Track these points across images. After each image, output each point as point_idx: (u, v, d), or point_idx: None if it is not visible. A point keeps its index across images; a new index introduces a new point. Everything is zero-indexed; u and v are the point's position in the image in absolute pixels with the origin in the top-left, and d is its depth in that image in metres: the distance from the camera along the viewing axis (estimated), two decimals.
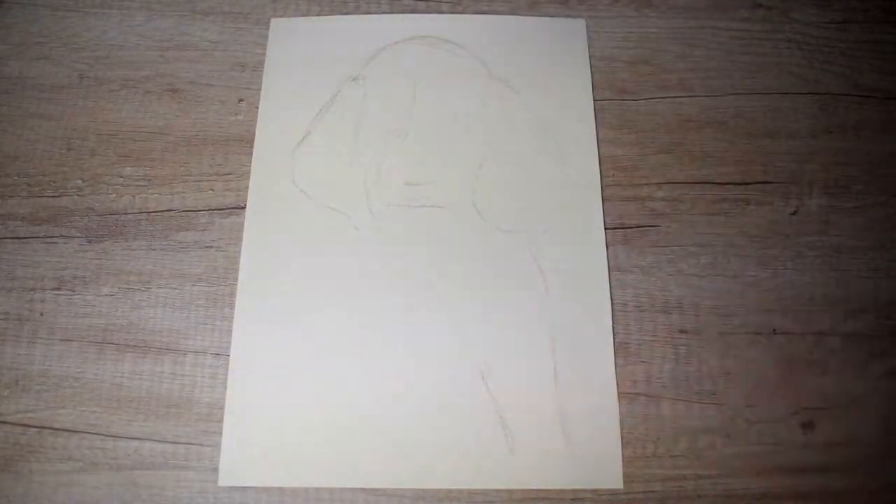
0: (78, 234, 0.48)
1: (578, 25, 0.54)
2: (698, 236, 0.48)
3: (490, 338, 0.45)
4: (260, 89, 0.52)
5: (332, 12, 0.55)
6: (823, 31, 0.54)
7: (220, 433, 0.43)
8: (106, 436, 0.44)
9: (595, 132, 0.50)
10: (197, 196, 0.49)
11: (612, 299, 0.46)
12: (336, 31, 0.54)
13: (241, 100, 0.52)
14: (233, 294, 0.47)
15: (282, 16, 0.55)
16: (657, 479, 0.43)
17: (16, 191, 0.50)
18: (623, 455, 0.43)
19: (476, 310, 0.46)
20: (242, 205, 0.49)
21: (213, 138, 0.51)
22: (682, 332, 0.46)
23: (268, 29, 0.54)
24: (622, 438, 0.43)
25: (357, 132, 0.50)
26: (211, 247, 0.48)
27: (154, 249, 0.48)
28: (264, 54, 0.53)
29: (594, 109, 0.51)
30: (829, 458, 0.43)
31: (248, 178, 0.49)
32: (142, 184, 0.50)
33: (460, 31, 0.53)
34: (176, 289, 0.47)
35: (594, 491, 0.42)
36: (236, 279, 0.47)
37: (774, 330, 0.46)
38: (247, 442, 0.43)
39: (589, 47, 0.53)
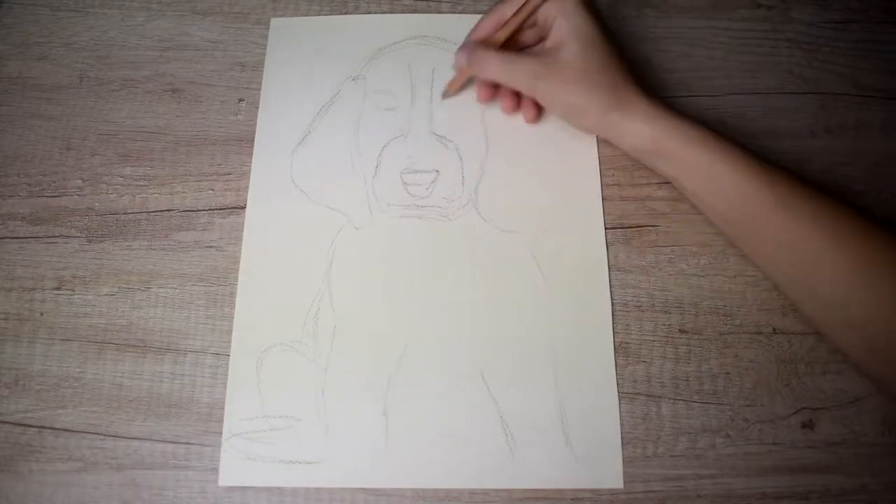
0: (78, 234, 0.48)
1: None
2: (698, 236, 0.48)
3: (490, 337, 0.45)
4: (260, 89, 0.52)
5: (332, 12, 0.55)
6: (823, 31, 0.54)
7: (220, 433, 0.43)
8: (106, 436, 0.44)
9: None
10: (197, 196, 0.49)
11: (612, 299, 0.46)
12: (336, 31, 0.54)
13: (241, 100, 0.52)
14: (233, 294, 0.47)
15: (282, 16, 0.55)
16: (657, 479, 0.43)
17: (16, 191, 0.50)
18: (623, 455, 0.43)
19: (476, 309, 0.46)
20: (242, 205, 0.49)
21: (213, 138, 0.51)
22: (682, 332, 0.46)
23: (268, 29, 0.54)
24: (622, 438, 0.43)
25: (357, 132, 0.50)
26: (211, 247, 0.48)
27: (154, 249, 0.48)
28: (264, 54, 0.53)
29: None
30: (829, 458, 0.43)
31: (248, 178, 0.50)
32: (142, 184, 0.50)
33: (460, 31, 0.52)
34: (176, 289, 0.47)
35: (594, 491, 0.42)
36: (236, 279, 0.47)
37: (774, 330, 0.46)
38: (247, 441, 0.43)
39: None
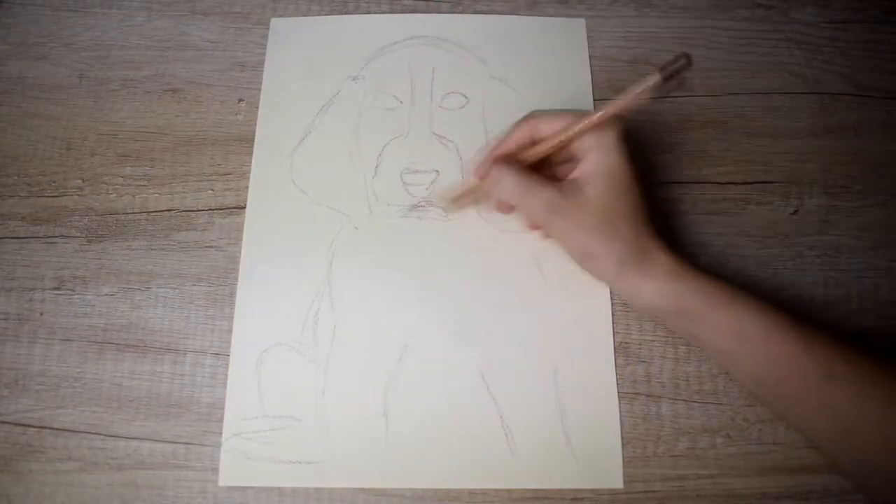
0: (78, 234, 0.48)
1: (578, 25, 0.54)
2: (698, 236, 0.48)
3: (490, 337, 0.45)
4: (260, 89, 0.52)
5: (332, 12, 0.55)
6: (823, 31, 0.54)
7: (220, 433, 0.43)
8: (106, 436, 0.44)
9: None
10: (197, 196, 0.49)
11: (612, 299, 0.46)
12: (336, 31, 0.54)
13: (241, 100, 0.52)
14: (233, 294, 0.47)
15: (282, 16, 0.55)
16: (657, 479, 0.43)
17: (16, 191, 0.50)
18: (623, 455, 0.43)
19: (476, 309, 0.46)
20: (242, 205, 0.49)
21: (213, 138, 0.51)
22: None
23: (268, 29, 0.54)
24: (622, 438, 0.43)
25: (357, 132, 0.50)
26: (211, 247, 0.48)
27: (154, 249, 0.48)
28: (264, 54, 0.53)
29: (594, 109, 0.51)
30: None
31: (248, 178, 0.49)
32: (142, 184, 0.50)
33: (460, 31, 0.53)
34: (176, 289, 0.47)
35: (594, 491, 0.42)
36: (236, 279, 0.47)
37: None
38: (247, 441, 0.43)
39: (589, 47, 0.53)
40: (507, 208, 0.45)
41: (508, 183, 0.41)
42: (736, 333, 0.39)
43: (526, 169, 0.42)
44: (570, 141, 0.41)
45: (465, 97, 0.51)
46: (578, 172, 0.41)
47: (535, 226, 0.46)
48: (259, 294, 0.46)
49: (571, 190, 0.41)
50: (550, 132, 0.41)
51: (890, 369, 0.37)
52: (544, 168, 0.43)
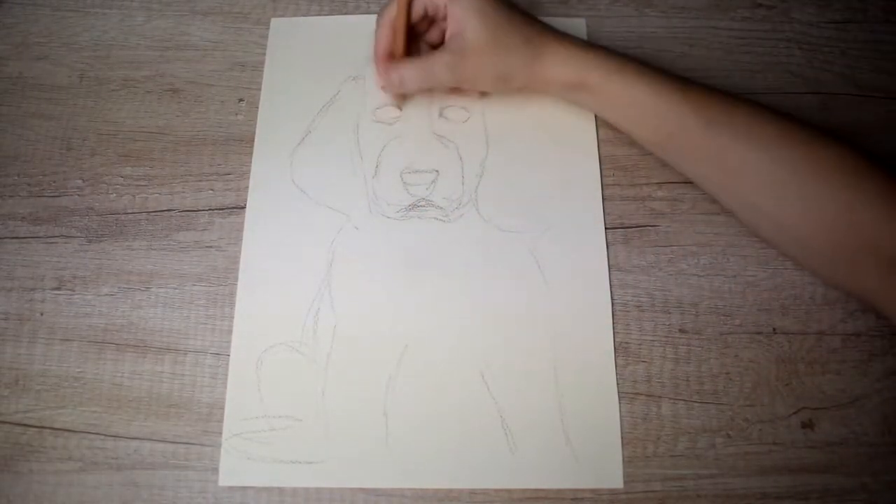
0: (78, 234, 0.48)
1: (579, 25, 0.54)
2: (698, 236, 0.48)
3: (490, 338, 0.45)
4: (260, 89, 0.52)
5: (332, 12, 0.55)
6: (823, 31, 0.54)
7: (220, 433, 0.43)
8: (106, 436, 0.44)
9: (595, 132, 0.50)
10: (197, 196, 0.49)
11: (612, 299, 0.46)
12: (336, 31, 0.54)
13: (241, 100, 0.52)
14: (233, 294, 0.47)
15: (282, 16, 0.55)
16: (657, 479, 0.43)
17: (16, 191, 0.50)
18: (623, 455, 0.43)
19: (476, 309, 0.46)
20: (242, 205, 0.49)
21: (213, 138, 0.51)
22: (682, 332, 0.46)
23: (268, 29, 0.54)
24: (622, 438, 0.43)
25: (357, 132, 0.50)
26: (211, 247, 0.48)
27: (154, 249, 0.48)
28: (264, 54, 0.53)
29: None
30: (829, 458, 0.43)
31: (248, 178, 0.50)
32: (142, 184, 0.50)
33: None
34: (176, 289, 0.47)
35: (594, 491, 0.42)
36: (236, 279, 0.47)
37: (774, 330, 0.46)
38: (247, 442, 0.43)
39: None
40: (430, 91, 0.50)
41: (409, 76, 0.46)
42: (627, 98, 0.44)
43: (411, 57, 0.47)
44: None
45: (465, 96, 0.51)
46: (451, 30, 0.46)
47: (459, 91, 0.50)
48: (259, 294, 0.46)
49: (455, 43, 0.45)
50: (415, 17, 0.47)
51: (764, 115, 0.42)
52: (419, 44, 0.49)
